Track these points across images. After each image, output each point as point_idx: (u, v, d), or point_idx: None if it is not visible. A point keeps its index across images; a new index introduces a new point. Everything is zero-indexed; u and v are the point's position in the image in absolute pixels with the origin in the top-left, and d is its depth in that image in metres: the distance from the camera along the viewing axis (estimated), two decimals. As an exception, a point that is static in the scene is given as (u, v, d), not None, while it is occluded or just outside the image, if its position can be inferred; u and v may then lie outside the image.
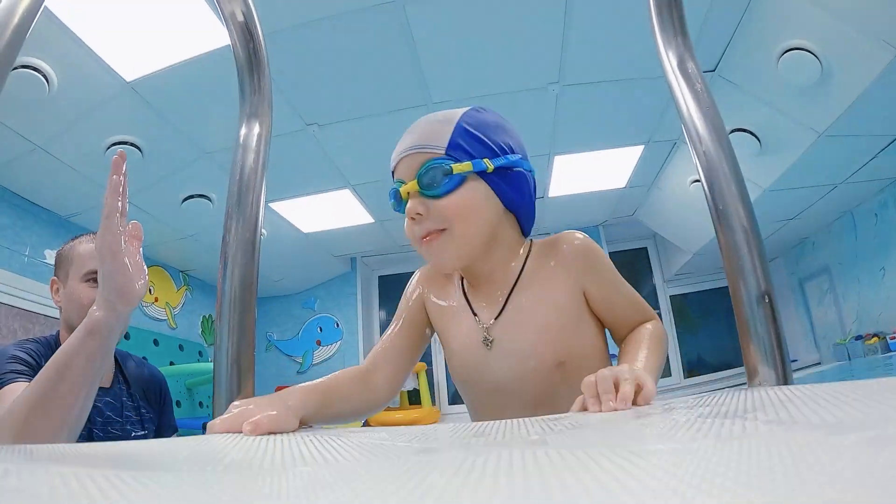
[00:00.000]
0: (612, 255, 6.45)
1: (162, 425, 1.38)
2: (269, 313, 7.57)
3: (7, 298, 3.90)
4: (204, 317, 6.92)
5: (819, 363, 5.80)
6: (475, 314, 0.90)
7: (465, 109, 0.89)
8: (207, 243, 5.12)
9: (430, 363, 6.76)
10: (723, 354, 6.52)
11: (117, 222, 0.84)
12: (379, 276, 7.52)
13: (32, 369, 1.09)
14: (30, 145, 3.28)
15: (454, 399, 6.80)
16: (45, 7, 2.06)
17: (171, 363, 5.72)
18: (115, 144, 3.40)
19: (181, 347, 6.14)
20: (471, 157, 0.83)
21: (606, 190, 5.19)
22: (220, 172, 3.98)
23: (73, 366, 0.84)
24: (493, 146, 0.85)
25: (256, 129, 0.68)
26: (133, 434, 1.27)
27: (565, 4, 2.74)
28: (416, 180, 0.83)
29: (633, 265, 6.81)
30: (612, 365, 0.80)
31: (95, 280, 1.15)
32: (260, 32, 0.69)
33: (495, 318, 0.88)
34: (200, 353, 6.40)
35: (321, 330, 7.30)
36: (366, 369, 0.96)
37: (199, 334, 6.66)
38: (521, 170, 0.88)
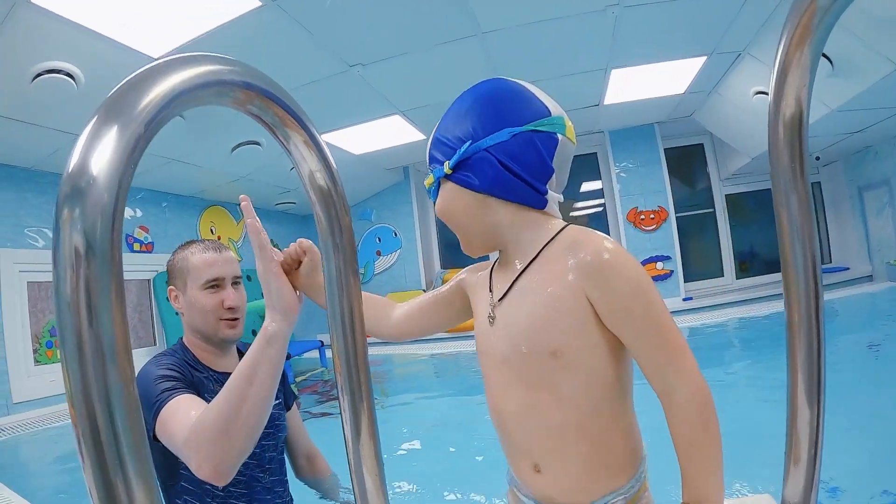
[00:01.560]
0: (667, 150, 6.37)
1: (286, 394, 1.54)
2: None
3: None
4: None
5: (871, 277, 5.73)
6: (491, 291, 0.92)
7: (449, 107, 0.91)
8: (261, 181, 5.66)
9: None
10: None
11: (270, 252, 1.02)
12: None
13: (182, 381, 1.21)
14: (69, 138, 3.68)
15: None
16: (57, 13, 2.18)
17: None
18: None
19: (249, 278, 6.54)
20: (439, 164, 0.87)
21: (664, 96, 5.12)
22: None
23: (259, 373, 1.00)
24: (453, 143, 0.85)
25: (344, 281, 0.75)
26: None
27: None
28: (431, 176, 0.91)
29: (688, 160, 6.68)
30: (630, 370, 0.83)
31: (214, 287, 1.31)
32: (341, 194, 0.73)
33: (500, 298, 0.88)
34: (248, 278, 6.80)
35: (380, 240, 7.58)
36: (391, 302, 1.08)
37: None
38: (481, 154, 0.84)
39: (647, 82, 4.70)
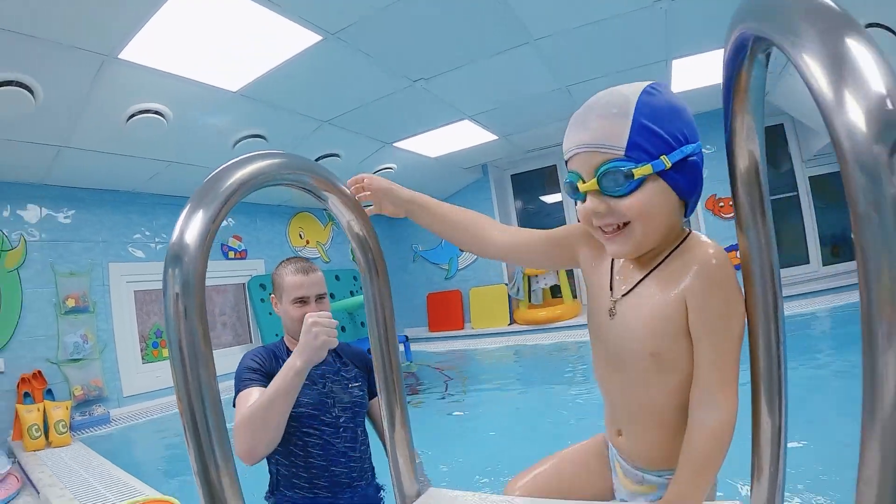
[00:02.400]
0: None
1: (371, 382, 1.82)
2: (412, 227, 8.03)
3: (213, 281, 5.61)
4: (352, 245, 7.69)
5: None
6: (612, 285, 0.94)
7: (638, 93, 0.83)
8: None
9: None
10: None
11: (315, 329, 1.40)
12: (511, 175, 7.78)
13: (261, 374, 1.59)
14: (164, 164, 4.45)
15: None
16: (142, 64, 2.52)
17: (332, 295, 6.53)
18: (241, 140, 4.25)
19: (337, 278, 6.99)
20: (650, 157, 0.80)
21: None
22: (343, 133, 4.69)
23: (286, 390, 1.40)
24: (670, 139, 0.81)
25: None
26: (350, 385, 1.74)
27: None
28: (595, 180, 0.83)
29: (770, 143, 6.28)
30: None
31: (300, 302, 1.66)
32: (372, 235, 0.96)
33: (622, 296, 0.91)
34: (355, 278, 7.19)
35: None
36: (494, 224, 1.11)
37: (351, 260, 7.40)
38: (694, 158, 0.83)
39: (711, 68, 4.55)
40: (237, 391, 1.54)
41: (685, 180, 0.82)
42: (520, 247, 1.08)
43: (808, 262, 6.18)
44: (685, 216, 0.88)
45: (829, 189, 6.17)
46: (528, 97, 4.73)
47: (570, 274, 6.85)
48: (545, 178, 7.49)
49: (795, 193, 6.24)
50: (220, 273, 5.78)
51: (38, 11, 2.41)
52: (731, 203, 4.87)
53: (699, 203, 5.42)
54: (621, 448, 1.00)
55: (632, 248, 0.86)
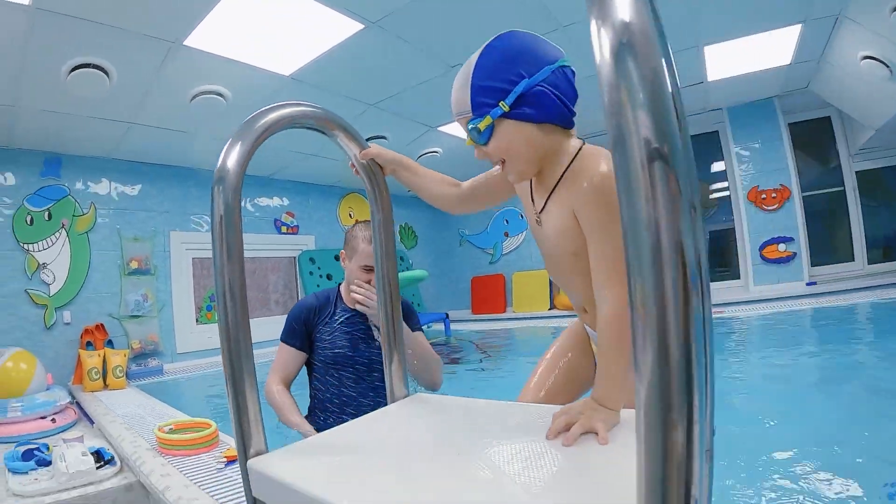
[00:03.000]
0: (793, 125, 6.05)
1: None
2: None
3: (266, 253, 6.20)
4: (401, 225, 7.98)
5: None
6: (534, 201, 1.12)
7: (475, 60, 0.98)
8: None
9: None
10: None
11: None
12: None
13: (295, 329, 1.95)
14: (222, 141, 4.53)
15: None
16: (205, 50, 2.94)
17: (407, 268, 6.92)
18: None
19: (401, 259, 7.32)
20: (490, 107, 0.95)
21: (771, 68, 4.92)
22: (388, 116, 4.94)
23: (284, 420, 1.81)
24: (505, 85, 0.95)
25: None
26: (377, 339, 1.99)
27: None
28: (468, 136, 1.03)
29: (816, 135, 6.19)
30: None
31: (367, 269, 1.90)
32: (378, 169, 1.26)
33: (540, 211, 1.09)
34: (402, 259, 7.49)
35: (507, 222, 8.00)
36: (453, 182, 1.31)
37: (399, 241, 7.76)
38: (537, 88, 0.95)
39: (746, 55, 4.59)
40: (280, 337, 1.99)
41: (533, 109, 0.95)
42: (471, 196, 1.27)
43: (852, 260, 6.00)
44: (572, 127, 1.02)
45: (879, 185, 5.99)
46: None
47: None
48: None
49: (842, 189, 6.07)
50: (273, 246, 6.24)
51: (115, 2, 2.74)
52: (773, 195, 4.61)
53: (741, 195, 5.54)
54: (590, 322, 1.20)
55: (517, 176, 1.04)
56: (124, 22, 2.93)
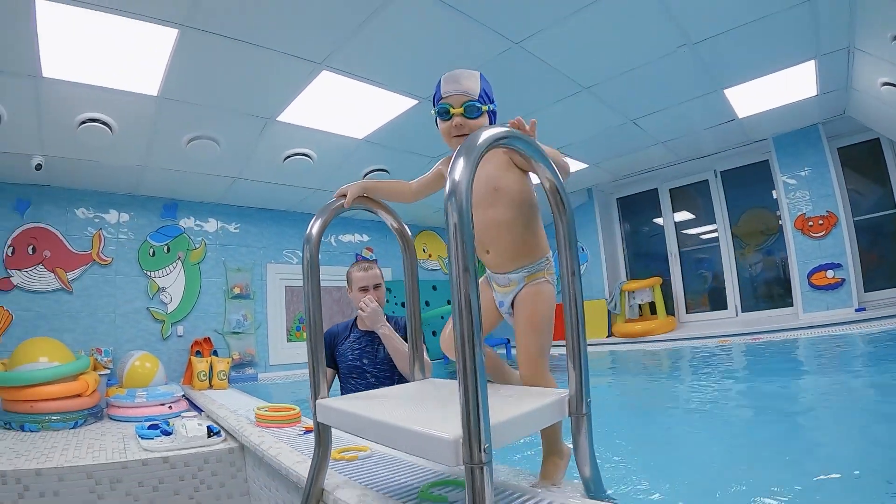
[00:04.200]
0: (842, 149, 5.97)
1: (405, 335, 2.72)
2: None
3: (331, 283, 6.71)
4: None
5: None
6: None
7: (480, 74, 1.61)
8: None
9: (667, 276, 7.30)
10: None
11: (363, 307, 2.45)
12: (617, 199, 8.12)
13: (325, 355, 2.54)
14: (310, 190, 5.72)
15: (690, 308, 7.29)
16: (294, 123, 4.29)
17: (449, 301, 7.43)
18: (369, 172, 5.33)
19: (434, 287, 7.96)
20: (486, 102, 1.57)
21: (799, 100, 5.00)
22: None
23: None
24: (490, 97, 1.60)
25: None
26: (377, 353, 2.68)
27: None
28: (462, 109, 1.55)
29: (867, 158, 6.01)
30: (533, 195, 1.57)
31: (363, 290, 2.64)
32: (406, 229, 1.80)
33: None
34: (434, 287, 8.06)
35: None
36: (411, 182, 1.82)
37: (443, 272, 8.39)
38: (495, 109, 1.63)
39: (770, 91, 4.73)
40: None
41: (491, 116, 1.59)
42: (422, 188, 1.80)
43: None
44: None
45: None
46: (601, 131, 5.24)
47: (664, 292, 7.17)
48: (654, 200, 7.67)
49: (893, 212, 5.89)
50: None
51: (224, 90, 3.64)
52: (819, 222, 5.39)
53: (789, 223, 5.89)
54: (490, 263, 1.62)
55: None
56: (231, 104, 3.88)
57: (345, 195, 1.68)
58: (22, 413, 3.45)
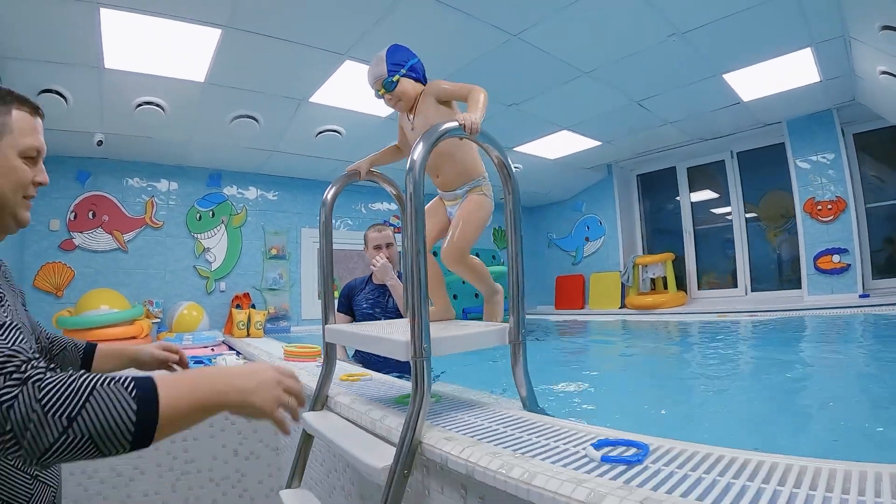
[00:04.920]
0: (859, 135, 5.94)
1: None
2: (547, 217, 9.34)
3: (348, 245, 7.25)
4: (494, 228, 9.07)
5: None
6: (410, 119, 2.01)
7: (385, 53, 1.96)
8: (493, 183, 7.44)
9: (681, 252, 7.56)
10: None
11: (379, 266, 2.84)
12: (637, 175, 8.39)
13: (342, 304, 3.13)
14: (340, 162, 6.18)
15: (701, 286, 7.59)
16: (325, 104, 4.88)
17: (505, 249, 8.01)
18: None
19: (478, 255, 8.33)
20: (396, 71, 1.92)
21: (804, 86, 5.04)
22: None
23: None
24: (403, 62, 1.95)
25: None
26: (387, 306, 3.17)
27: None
28: (382, 89, 1.95)
29: (883, 146, 5.98)
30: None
31: (377, 248, 3.17)
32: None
33: (412, 121, 2.00)
34: (494, 257, 8.58)
35: (588, 228, 8.74)
36: (394, 145, 2.15)
37: (492, 241, 8.93)
38: (414, 64, 1.97)
39: (772, 76, 4.78)
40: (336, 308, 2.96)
41: (414, 73, 1.96)
42: (401, 142, 2.13)
43: None
44: (423, 82, 2.00)
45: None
46: (607, 112, 5.50)
47: (676, 267, 7.47)
48: (674, 177, 7.86)
49: None
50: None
51: (261, 76, 4.16)
52: (828, 207, 5.80)
53: (800, 206, 6.13)
54: (440, 184, 2.02)
55: (406, 105, 1.98)
56: (268, 89, 4.41)
57: (356, 171, 2.08)
58: (90, 352, 4.09)
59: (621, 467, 1.07)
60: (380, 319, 3.10)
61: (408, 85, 1.96)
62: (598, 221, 8.52)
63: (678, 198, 7.88)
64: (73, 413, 0.79)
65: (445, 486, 1.39)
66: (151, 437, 0.85)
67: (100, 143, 4.94)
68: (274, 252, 6.51)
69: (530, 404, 1.70)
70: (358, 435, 1.69)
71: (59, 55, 3.65)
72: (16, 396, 0.77)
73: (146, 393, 0.87)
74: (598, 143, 6.63)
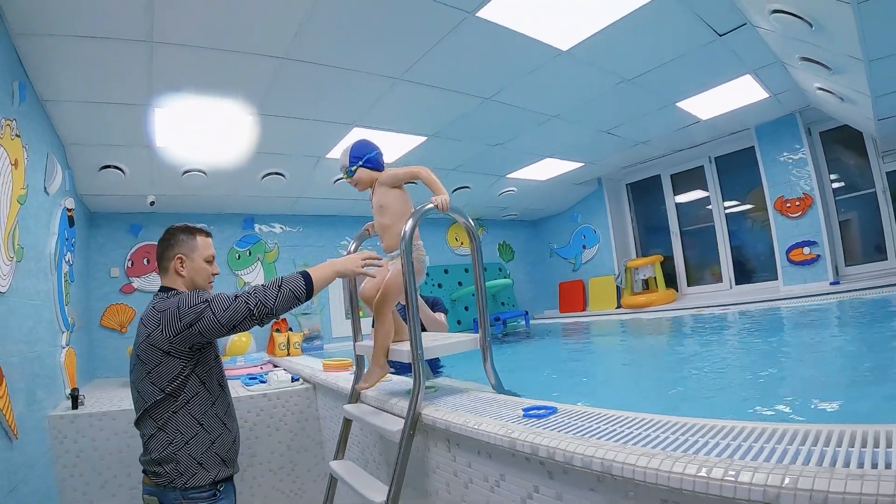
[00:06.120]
0: (824, 133, 6.30)
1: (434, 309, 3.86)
2: (549, 229, 10.06)
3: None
4: (499, 243, 9.84)
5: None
6: (371, 196, 2.56)
7: (350, 147, 2.51)
8: (500, 204, 8.36)
9: (669, 254, 8.27)
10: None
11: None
12: (627, 184, 9.02)
13: None
14: (355, 201, 6.64)
15: (692, 282, 8.24)
16: (338, 158, 5.05)
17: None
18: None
19: (485, 269, 9.02)
20: (355, 163, 2.47)
21: (756, 101, 5.50)
22: (469, 174, 6.89)
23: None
24: (359, 155, 2.49)
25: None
26: None
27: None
28: (345, 175, 2.51)
29: (847, 142, 6.33)
30: (405, 206, 2.49)
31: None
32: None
33: (371, 198, 2.56)
34: (500, 269, 9.40)
35: (584, 237, 9.40)
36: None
37: (498, 256, 9.66)
38: (371, 156, 2.50)
39: (724, 98, 5.25)
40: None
41: (370, 164, 2.50)
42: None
43: (886, 259, 6.17)
44: (379, 170, 2.54)
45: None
46: (582, 141, 6.24)
47: (664, 268, 8.11)
48: (660, 185, 8.41)
49: (873, 191, 6.18)
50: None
51: (286, 141, 5.07)
52: (796, 203, 6.56)
53: (770, 204, 6.79)
54: (384, 248, 2.57)
55: (362, 187, 2.54)
56: (292, 151, 5.34)
57: (366, 231, 2.79)
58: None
59: (534, 421, 1.85)
60: None
61: (363, 174, 2.54)
62: (592, 230, 9.17)
63: (677, 200, 8.41)
64: (280, 288, 2.15)
65: (437, 441, 2.24)
66: (312, 293, 2.24)
67: (152, 203, 5.86)
68: (305, 283, 7.44)
69: (498, 388, 2.44)
70: (381, 414, 2.55)
71: (118, 140, 4.55)
72: (250, 306, 2.14)
73: (306, 276, 2.23)
74: (582, 164, 7.37)
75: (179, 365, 2.18)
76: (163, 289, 2.37)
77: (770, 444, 1.27)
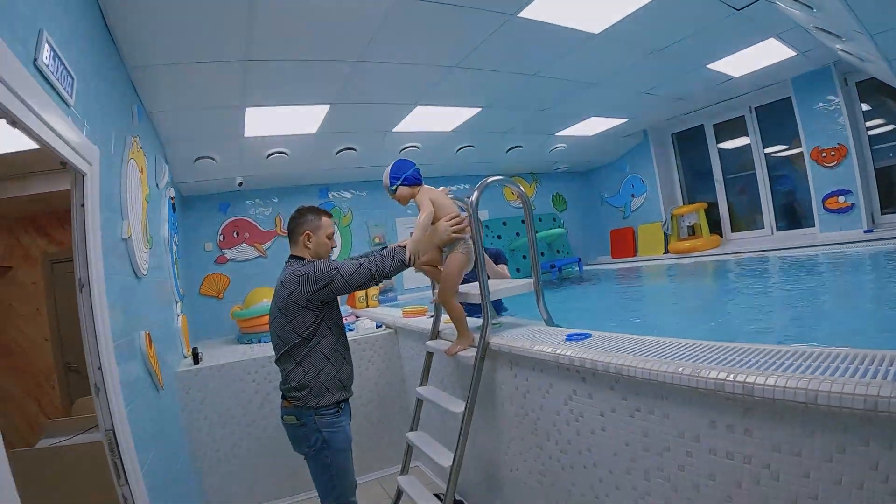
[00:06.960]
0: (861, 83, 6.34)
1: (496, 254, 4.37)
2: (599, 179, 10.46)
3: None
4: (553, 195, 10.38)
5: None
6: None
7: (389, 169, 2.89)
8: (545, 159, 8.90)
9: (714, 201, 8.59)
10: None
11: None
12: (673, 134, 9.21)
13: None
14: (419, 166, 7.34)
15: (736, 228, 8.52)
16: (407, 131, 6.82)
17: (536, 231, 9.11)
18: (461, 148, 7.17)
19: (540, 220, 9.89)
20: (394, 182, 2.84)
21: (786, 59, 5.61)
22: (524, 135, 7.50)
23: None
24: (398, 175, 2.84)
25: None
26: None
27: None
28: (389, 191, 2.86)
29: (886, 92, 6.24)
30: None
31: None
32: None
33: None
34: (554, 219, 9.96)
35: (633, 186, 9.78)
36: None
37: (552, 206, 10.22)
38: (410, 174, 2.85)
39: (752, 58, 5.41)
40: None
41: (408, 181, 2.88)
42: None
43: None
44: (419, 185, 2.93)
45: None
46: (621, 101, 6.61)
47: (708, 214, 8.39)
48: (703, 134, 8.55)
49: None
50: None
51: (356, 121, 5.81)
52: (832, 153, 6.98)
53: (807, 153, 7.20)
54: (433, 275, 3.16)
55: (403, 201, 2.92)
56: (363, 127, 6.04)
57: None
58: (258, 333, 5.63)
59: (574, 343, 2.54)
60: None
61: (404, 191, 2.89)
62: (640, 180, 9.50)
63: (721, 147, 8.54)
64: (394, 258, 2.90)
65: (502, 364, 3.00)
66: (410, 264, 2.90)
67: (240, 184, 6.69)
68: (377, 240, 8.21)
69: (549, 322, 2.99)
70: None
71: (211, 134, 5.36)
72: (372, 271, 2.86)
73: (403, 249, 2.90)
74: (626, 120, 7.70)
75: (313, 316, 2.83)
76: (293, 257, 3.00)
77: (756, 359, 1.68)
